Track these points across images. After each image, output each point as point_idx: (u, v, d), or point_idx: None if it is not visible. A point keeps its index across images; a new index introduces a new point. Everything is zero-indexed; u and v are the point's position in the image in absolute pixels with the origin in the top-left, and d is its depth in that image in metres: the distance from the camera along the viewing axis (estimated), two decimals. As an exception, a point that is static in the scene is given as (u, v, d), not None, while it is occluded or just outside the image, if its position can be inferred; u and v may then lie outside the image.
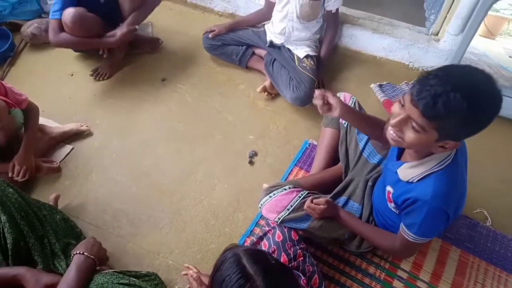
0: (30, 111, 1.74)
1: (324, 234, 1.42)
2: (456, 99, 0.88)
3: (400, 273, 1.50)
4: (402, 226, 1.21)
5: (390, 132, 1.07)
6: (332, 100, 1.30)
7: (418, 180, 1.12)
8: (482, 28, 2.96)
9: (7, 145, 1.69)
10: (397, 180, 1.19)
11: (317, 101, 1.33)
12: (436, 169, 1.09)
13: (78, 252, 1.20)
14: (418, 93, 0.93)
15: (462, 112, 0.89)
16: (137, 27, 2.15)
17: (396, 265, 1.52)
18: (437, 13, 2.21)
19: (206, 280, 1.34)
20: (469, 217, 1.66)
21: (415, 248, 1.31)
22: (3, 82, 1.61)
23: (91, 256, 1.21)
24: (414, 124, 0.98)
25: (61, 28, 1.96)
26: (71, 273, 1.15)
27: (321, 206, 1.34)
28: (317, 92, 1.33)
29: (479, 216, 1.69)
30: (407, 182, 1.15)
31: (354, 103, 1.63)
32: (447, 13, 2.14)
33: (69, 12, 1.92)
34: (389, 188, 1.25)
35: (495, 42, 2.99)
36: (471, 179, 1.74)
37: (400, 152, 1.25)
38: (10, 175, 1.64)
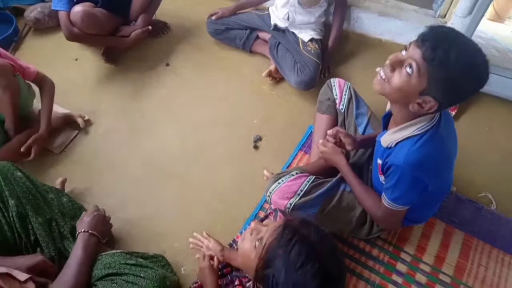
0: (44, 84, 1.76)
1: (329, 225, 1.43)
2: (456, 51, 0.93)
3: (403, 255, 1.51)
4: (383, 192, 1.24)
5: (380, 73, 1.09)
6: (344, 139, 1.41)
7: (396, 145, 1.14)
8: (490, 11, 2.91)
9: (15, 130, 1.71)
10: (382, 149, 1.21)
11: (331, 139, 1.44)
12: (413, 134, 1.10)
13: (82, 230, 1.22)
14: (425, 35, 0.98)
15: (456, 66, 0.93)
16: (150, 27, 2.19)
17: (399, 248, 1.53)
18: (445, -5, 2.17)
19: (216, 248, 1.39)
20: (473, 201, 1.66)
21: (394, 217, 1.29)
22: (6, 52, 1.62)
23: (95, 233, 1.22)
24: (412, 65, 0.99)
25: (71, 21, 1.96)
26: (78, 252, 1.17)
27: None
28: (329, 132, 1.43)
29: (484, 200, 1.69)
30: (387, 148, 1.18)
31: (349, 88, 1.63)
32: (455, -5, 2.10)
33: (77, 12, 1.92)
34: (379, 161, 1.26)
35: (504, 26, 2.95)
36: (474, 162, 1.78)
37: (387, 123, 1.26)
38: (22, 150, 1.66)
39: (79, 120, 1.92)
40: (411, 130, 1.11)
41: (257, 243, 0.93)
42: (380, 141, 1.24)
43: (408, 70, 1.00)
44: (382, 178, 1.28)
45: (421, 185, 1.14)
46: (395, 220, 1.32)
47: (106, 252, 1.23)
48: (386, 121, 1.27)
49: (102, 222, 1.32)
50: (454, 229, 1.58)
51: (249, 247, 0.96)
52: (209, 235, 1.49)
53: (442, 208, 1.60)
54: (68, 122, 1.94)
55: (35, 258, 1.16)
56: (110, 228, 1.43)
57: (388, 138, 1.19)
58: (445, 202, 1.63)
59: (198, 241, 1.50)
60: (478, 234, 1.57)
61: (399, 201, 1.20)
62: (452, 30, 0.98)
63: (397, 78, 1.03)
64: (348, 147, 1.44)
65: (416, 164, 1.10)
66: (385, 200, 1.23)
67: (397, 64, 1.03)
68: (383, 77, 1.08)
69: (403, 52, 1.04)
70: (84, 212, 1.36)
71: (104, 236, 1.29)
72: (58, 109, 1.94)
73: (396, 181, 1.15)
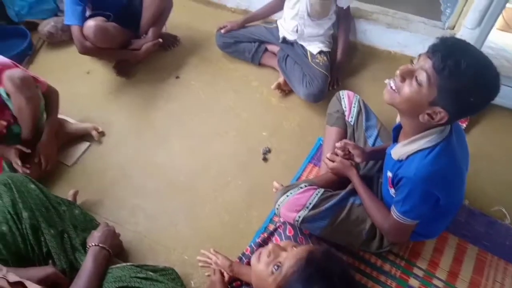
0: (51, 94, 1.80)
1: (338, 238, 1.43)
2: (466, 62, 0.93)
3: (416, 271, 1.49)
4: (393, 205, 1.23)
5: (390, 84, 1.10)
6: (353, 151, 1.42)
7: (407, 158, 1.14)
8: (500, 22, 2.88)
9: (30, 141, 1.73)
10: (392, 162, 1.21)
11: (339, 152, 1.44)
12: (424, 146, 1.10)
13: (93, 244, 1.23)
14: (435, 46, 0.99)
15: (466, 76, 0.94)
16: (160, 40, 2.24)
17: (412, 263, 1.50)
18: (453, 6, 2.17)
19: (225, 264, 1.39)
20: (486, 215, 1.64)
21: (402, 230, 1.27)
22: (18, 65, 1.66)
23: (106, 247, 1.23)
24: (421, 75, 1.00)
25: (83, 35, 2.01)
26: (88, 265, 1.18)
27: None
28: (337, 144, 1.45)
29: (497, 214, 1.66)
30: (398, 160, 1.17)
31: (358, 101, 1.64)
32: (464, 6, 2.09)
33: (90, 26, 1.97)
34: (389, 173, 1.26)
35: (514, 36, 2.92)
36: (487, 175, 1.75)
37: (397, 136, 1.26)
38: (36, 160, 1.69)
39: (94, 133, 1.94)
40: (422, 142, 1.10)
41: (274, 268, 0.92)
42: (390, 154, 1.24)
43: (419, 80, 1.00)
44: (392, 191, 1.27)
45: (432, 198, 1.13)
46: (403, 233, 1.30)
47: (117, 265, 1.23)
48: (396, 134, 1.27)
49: (112, 237, 1.32)
50: (467, 243, 1.55)
51: (265, 270, 0.94)
52: (216, 252, 1.48)
53: (455, 221, 1.58)
54: (83, 135, 1.96)
55: (46, 270, 1.17)
56: (120, 244, 1.44)
57: (398, 151, 1.18)
58: (457, 215, 1.61)
59: (206, 258, 1.49)
60: (493, 249, 1.54)
61: (409, 215, 1.19)
62: (462, 42, 1.00)
63: (408, 88, 1.04)
64: (357, 159, 1.43)
65: (427, 177, 1.09)
66: (395, 213, 1.22)
67: (408, 74, 1.04)
68: (393, 87, 1.08)
69: (411, 64, 1.05)
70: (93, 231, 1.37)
71: (114, 250, 1.30)
72: (73, 122, 1.98)
73: (406, 194, 1.14)
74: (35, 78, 1.67)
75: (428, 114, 1.04)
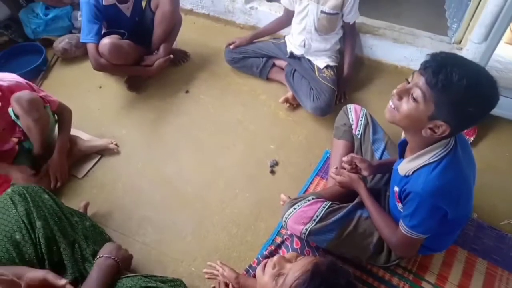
0: (64, 112, 1.85)
1: (345, 251, 1.43)
2: (458, 73, 0.95)
3: (424, 284, 1.47)
4: (401, 219, 1.23)
5: (389, 103, 1.12)
6: (360, 164, 1.43)
7: (413, 173, 1.15)
8: (508, 35, 2.89)
9: (42, 156, 1.78)
10: (399, 177, 1.21)
11: (346, 166, 1.46)
12: (430, 161, 1.11)
13: (100, 256, 1.25)
14: (426, 62, 1.01)
15: (460, 88, 0.95)
16: (171, 56, 2.31)
17: (420, 277, 1.49)
18: (460, 21, 2.19)
19: (231, 276, 1.39)
20: (496, 229, 1.62)
21: (410, 245, 1.27)
22: (32, 85, 1.71)
23: (112, 257, 1.24)
24: (416, 92, 1.02)
25: (99, 52, 2.07)
26: (93, 274, 1.18)
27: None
28: (344, 159, 1.46)
29: (506, 227, 1.64)
30: (405, 176, 1.18)
31: (365, 114, 1.65)
32: (470, 21, 2.11)
33: (105, 44, 2.04)
34: (395, 188, 1.26)
35: (522, 50, 2.92)
36: (496, 189, 1.74)
37: (403, 151, 1.27)
38: (43, 174, 1.73)
39: (111, 146, 2.00)
40: (427, 157, 1.11)
41: (279, 280, 0.93)
42: (397, 170, 1.25)
43: (415, 97, 1.03)
44: (399, 205, 1.27)
45: (441, 212, 1.13)
46: (412, 248, 1.30)
47: (126, 275, 1.25)
48: (402, 149, 1.28)
49: (119, 249, 1.32)
50: (476, 257, 1.54)
51: (270, 282, 0.95)
52: (223, 264, 1.48)
53: (463, 235, 1.57)
54: (93, 152, 2.00)
55: (43, 273, 1.14)
56: (130, 257, 1.43)
57: (405, 167, 1.19)
58: (466, 229, 1.60)
59: (213, 269, 1.49)
60: (502, 264, 1.52)
61: (418, 229, 1.19)
62: (453, 55, 1.02)
63: (405, 106, 1.06)
64: (364, 173, 1.44)
65: (434, 192, 1.10)
66: (403, 228, 1.22)
67: (404, 93, 1.07)
68: (392, 106, 1.11)
69: (406, 83, 1.08)
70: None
71: (124, 263, 1.30)
72: (86, 138, 2.03)
73: (414, 208, 1.15)
74: (44, 98, 1.70)
75: (430, 129, 1.05)
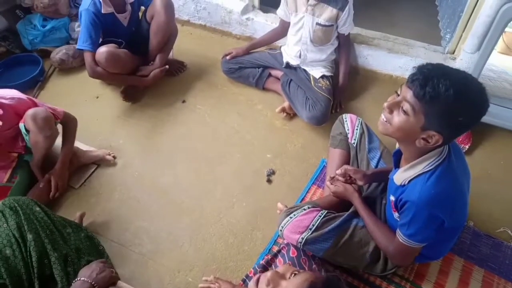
0: (69, 122, 1.84)
1: (342, 260, 1.42)
2: (445, 84, 0.96)
3: (421, 293, 1.47)
4: (398, 228, 1.24)
5: (381, 116, 1.14)
6: (355, 175, 1.46)
7: (409, 182, 1.16)
8: (500, 45, 2.93)
9: (40, 167, 1.78)
10: (395, 186, 1.22)
11: (341, 178, 1.48)
12: (425, 170, 1.12)
13: (78, 278, 1.20)
14: (413, 75, 1.02)
15: (448, 98, 0.96)
16: (167, 66, 2.32)
17: (417, 285, 1.49)
18: (453, 32, 2.23)
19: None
20: (492, 236, 1.63)
21: (407, 254, 1.28)
22: (34, 99, 1.72)
23: (89, 281, 1.18)
24: (405, 106, 1.04)
25: (95, 60, 2.09)
26: None
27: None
28: (338, 172, 1.48)
29: (502, 235, 1.65)
30: (401, 185, 1.19)
31: (361, 123, 1.67)
32: (463, 31, 2.15)
33: (102, 52, 2.05)
34: (391, 197, 1.27)
35: (515, 59, 2.96)
36: (492, 196, 1.75)
37: (398, 161, 1.28)
38: (41, 185, 1.72)
39: (108, 157, 1.99)
40: (422, 166, 1.13)
41: None
42: (392, 179, 1.25)
43: (404, 110, 1.04)
44: (396, 214, 1.27)
45: (437, 221, 1.14)
46: (409, 256, 1.30)
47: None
48: (396, 159, 1.28)
49: (102, 271, 1.25)
50: (473, 265, 1.54)
51: None
52: (217, 278, 1.46)
53: (460, 243, 1.57)
54: (95, 161, 2.00)
55: None
56: (112, 280, 1.29)
57: (400, 176, 1.20)
58: (462, 237, 1.60)
59: (209, 284, 1.46)
60: (499, 271, 1.52)
61: (415, 238, 1.19)
62: (439, 65, 1.03)
63: (397, 119, 1.08)
64: (360, 183, 1.46)
65: (430, 201, 1.10)
66: (400, 237, 1.22)
67: (394, 106, 1.09)
68: (384, 119, 1.13)
69: (396, 96, 1.09)
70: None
71: (101, 285, 1.21)
72: (85, 148, 2.02)
73: (411, 217, 1.15)
74: (53, 113, 1.70)
75: (423, 139, 1.06)
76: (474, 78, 1.02)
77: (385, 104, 1.10)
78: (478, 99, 0.99)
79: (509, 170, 1.89)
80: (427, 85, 0.98)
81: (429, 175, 1.11)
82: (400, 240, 1.22)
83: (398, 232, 1.23)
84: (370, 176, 1.47)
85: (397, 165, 1.28)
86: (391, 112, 1.09)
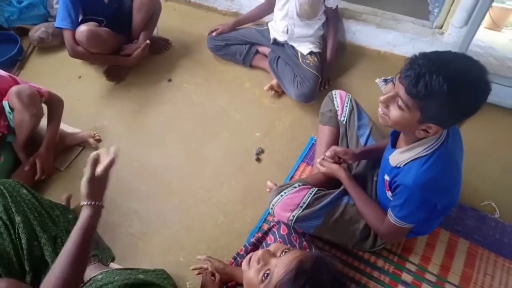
0: (54, 103, 1.78)
1: (332, 237, 1.44)
2: (437, 81, 0.92)
3: (408, 265, 1.51)
4: (389, 208, 1.25)
5: (379, 110, 1.12)
6: (344, 156, 1.46)
7: (405, 165, 1.16)
8: (487, 20, 2.94)
9: (24, 148, 1.73)
10: (390, 166, 1.22)
11: (330, 160, 1.48)
12: (422, 154, 1.12)
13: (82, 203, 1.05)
14: (405, 71, 0.98)
15: (441, 94, 0.93)
16: (148, 41, 2.24)
17: (404, 258, 1.52)
18: (441, 6, 2.20)
19: (219, 266, 1.38)
20: (477, 210, 1.66)
21: (397, 233, 1.29)
22: (16, 77, 1.65)
23: (92, 203, 1.06)
24: (399, 102, 1.02)
25: (75, 39, 2.01)
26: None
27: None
28: (327, 154, 1.48)
29: (487, 208, 1.69)
30: (396, 167, 1.19)
31: (350, 100, 1.66)
32: (451, 6, 2.13)
33: (82, 31, 1.97)
34: (386, 177, 1.28)
35: (501, 34, 2.97)
36: (477, 171, 1.78)
37: (395, 140, 1.27)
38: (26, 168, 1.68)
39: (91, 141, 1.94)
40: (419, 150, 1.12)
41: (263, 277, 0.91)
42: (388, 159, 1.25)
43: (399, 105, 1.03)
44: (389, 194, 1.28)
45: (430, 204, 1.15)
46: (400, 235, 1.33)
47: (106, 270, 1.23)
48: (394, 138, 1.27)
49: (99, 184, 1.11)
50: (458, 238, 1.58)
51: (255, 278, 0.93)
52: (209, 257, 1.45)
53: (446, 217, 1.60)
54: (79, 142, 1.96)
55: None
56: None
57: (396, 158, 1.19)
58: (448, 211, 1.64)
59: (202, 264, 1.45)
60: (483, 243, 1.57)
61: (407, 219, 1.21)
62: (432, 57, 0.96)
63: (394, 113, 1.07)
64: (349, 161, 1.47)
65: (425, 186, 1.11)
66: (392, 217, 1.23)
67: (389, 101, 1.07)
68: (382, 113, 1.11)
69: (393, 86, 1.07)
70: None
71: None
72: (69, 130, 1.98)
73: (404, 200, 1.16)
74: (40, 92, 1.64)
75: (423, 130, 1.06)
76: (474, 65, 0.95)
77: (381, 99, 1.08)
78: (474, 87, 0.94)
79: (495, 145, 1.92)
80: (419, 83, 0.94)
81: (425, 160, 1.11)
82: (392, 221, 1.24)
83: (390, 213, 1.24)
84: (359, 155, 1.48)
85: (394, 145, 1.27)
86: (387, 106, 1.08)
